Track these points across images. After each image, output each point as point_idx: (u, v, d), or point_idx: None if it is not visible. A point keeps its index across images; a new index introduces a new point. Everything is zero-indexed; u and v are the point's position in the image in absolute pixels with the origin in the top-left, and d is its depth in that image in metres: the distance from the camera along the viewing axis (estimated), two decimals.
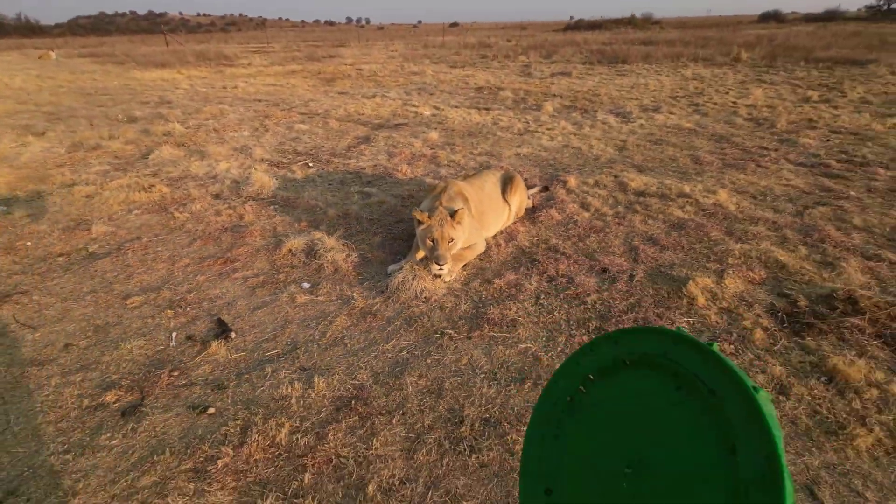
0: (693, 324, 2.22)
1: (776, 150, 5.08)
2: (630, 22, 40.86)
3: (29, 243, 3.14)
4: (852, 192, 3.83)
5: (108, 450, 1.59)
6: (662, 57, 14.33)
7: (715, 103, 7.58)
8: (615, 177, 4.29)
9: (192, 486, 1.45)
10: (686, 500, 0.53)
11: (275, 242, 3.10)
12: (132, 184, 4.22)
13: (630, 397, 0.64)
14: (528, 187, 3.85)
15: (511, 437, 1.61)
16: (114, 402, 1.79)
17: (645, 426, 0.61)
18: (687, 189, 3.90)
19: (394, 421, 1.70)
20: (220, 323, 2.26)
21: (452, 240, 2.55)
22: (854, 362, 1.90)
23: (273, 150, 5.45)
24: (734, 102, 7.55)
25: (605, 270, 2.70)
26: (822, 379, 1.86)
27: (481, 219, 3.00)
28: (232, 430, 1.65)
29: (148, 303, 2.46)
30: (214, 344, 2.10)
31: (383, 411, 1.74)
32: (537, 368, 1.95)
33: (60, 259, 2.94)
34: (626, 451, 0.61)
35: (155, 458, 1.55)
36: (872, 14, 36.50)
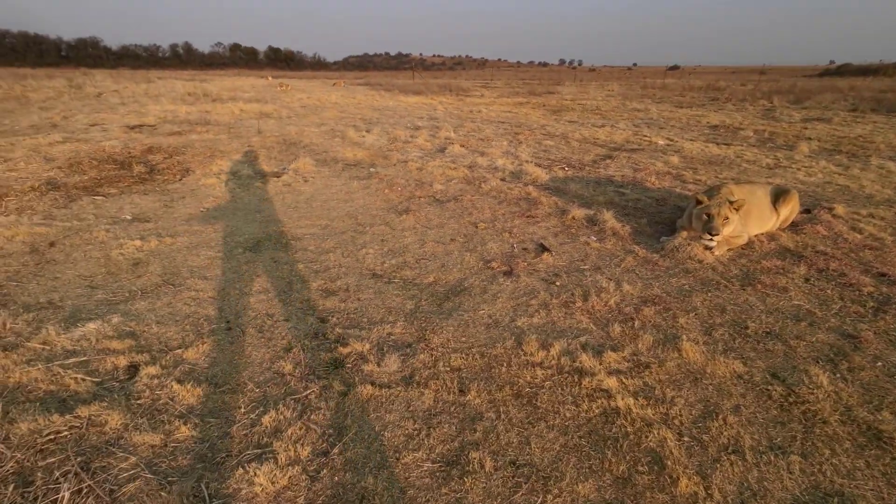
0: None
1: None
2: None
3: (399, 189, 4.87)
4: None
5: (505, 286, 2.72)
6: None
7: None
8: (895, 211, 4.13)
9: (563, 310, 2.44)
10: None
11: (561, 211, 4.13)
12: (443, 165, 5.90)
13: None
14: None
15: (793, 344, 2.16)
16: (497, 268, 2.96)
17: None
18: None
19: (690, 315, 2.41)
20: (542, 245, 3.32)
21: (727, 219, 3.13)
22: None
23: (532, 155, 6.72)
24: None
25: (883, 275, 2.89)
26: None
27: (746, 218, 3.47)
28: (577, 293, 2.61)
29: (489, 228, 3.71)
30: (544, 255, 3.15)
31: (680, 310, 2.47)
32: (811, 317, 2.41)
33: (422, 199, 4.52)
34: None
35: (535, 294, 2.61)
36: None
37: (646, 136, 8.74)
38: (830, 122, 10.41)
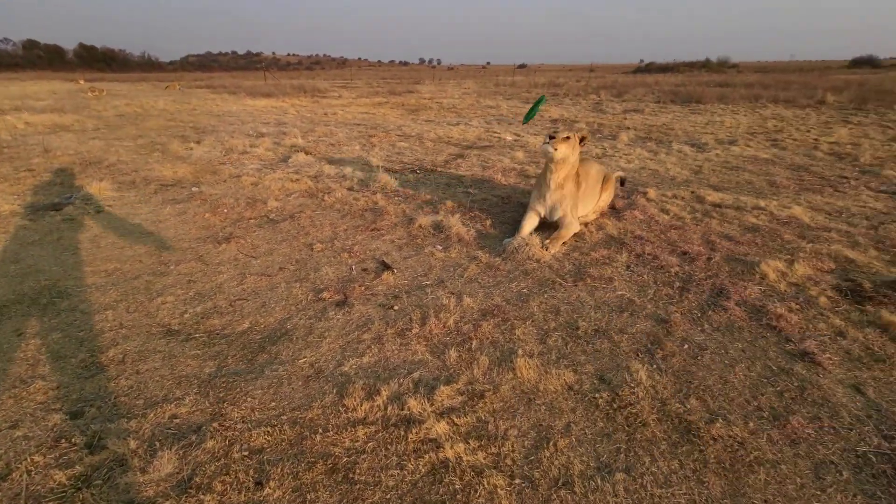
0: (764, 291, 2.69)
1: (857, 179, 5.31)
2: (704, 65, 40.53)
3: (225, 210, 4.19)
4: None
5: (335, 320, 2.37)
6: (739, 98, 14.44)
7: (795, 139, 7.78)
8: (692, 192, 4.77)
9: (399, 340, 2.18)
10: None
11: (407, 220, 3.92)
12: (283, 177, 5.31)
13: None
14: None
15: (617, 339, 2.20)
16: (329, 298, 2.59)
17: None
18: (762, 203, 4.31)
19: (527, 324, 2.34)
20: (384, 263, 3.05)
21: (568, 138, 3.41)
22: None
23: (384, 159, 6.46)
24: (816, 139, 7.71)
25: (685, 253, 3.23)
26: (877, 330, 2.29)
27: (584, 197, 3.68)
28: (415, 317, 2.38)
29: (328, 249, 3.32)
30: (385, 274, 2.88)
31: (518, 318, 2.39)
32: (632, 306, 2.52)
33: (252, 221, 3.93)
34: None
35: (369, 325, 2.31)
36: None
37: (496, 132, 9.11)
38: (643, 112, 12.10)
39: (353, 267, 3.02)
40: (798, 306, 2.52)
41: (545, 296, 2.64)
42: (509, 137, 8.43)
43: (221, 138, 8.13)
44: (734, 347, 2.16)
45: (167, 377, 1.94)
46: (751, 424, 1.68)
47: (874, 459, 1.54)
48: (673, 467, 1.51)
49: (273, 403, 1.79)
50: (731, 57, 47.58)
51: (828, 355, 2.09)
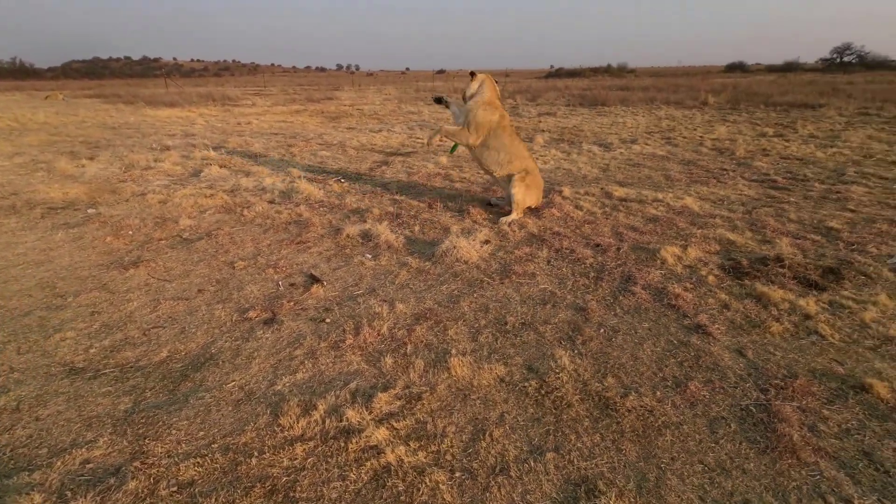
0: (664, 275, 3.02)
1: (734, 170, 6.10)
2: (607, 70, 44.04)
3: (130, 232, 3.85)
4: (792, 199, 4.79)
5: (264, 339, 2.29)
6: (638, 101, 15.90)
7: (685, 137, 8.74)
8: (602, 188, 5.20)
9: (333, 353, 2.17)
10: None
11: (334, 230, 3.87)
12: (196, 193, 4.97)
13: None
14: None
15: (542, 330, 2.37)
16: (255, 317, 2.50)
17: None
18: (660, 196, 4.81)
19: (459, 324, 2.44)
20: (312, 276, 2.99)
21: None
22: (776, 290, 2.72)
23: (306, 169, 6.29)
24: (701, 136, 8.72)
25: (598, 245, 3.53)
26: (753, 300, 2.67)
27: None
28: (348, 328, 2.37)
29: (251, 266, 3.18)
30: (314, 287, 2.83)
31: (450, 319, 2.48)
32: (554, 298, 2.72)
33: (163, 242, 3.65)
34: None
35: (301, 341, 2.26)
36: (827, 66, 40.26)
37: (419, 138, 9.22)
38: (555, 115, 12.90)
39: (280, 283, 2.93)
40: (692, 285, 2.86)
41: (475, 295, 2.76)
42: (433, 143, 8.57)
43: (120, 153, 7.41)
44: (642, 327, 2.41)
45: (74, 420, 1.77)
46: (658, 393, 1.90)
47: (754, 410, 1.81)
48: (595, 440, 1.67)
49: (202, 433, 1.70)
50: (628, 62, 52.25)
51: (716, 326, 2.41)
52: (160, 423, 1.75)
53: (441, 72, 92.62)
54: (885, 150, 7.01)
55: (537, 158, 7.00)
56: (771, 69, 43.19)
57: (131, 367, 2.09)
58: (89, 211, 4.42)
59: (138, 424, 1.74)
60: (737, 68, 47.07)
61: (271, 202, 4.72)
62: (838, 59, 39.93)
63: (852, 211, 4.30)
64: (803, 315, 2.48)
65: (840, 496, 1.44)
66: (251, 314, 2.53)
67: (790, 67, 41.89)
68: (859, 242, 3.51)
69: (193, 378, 2.02)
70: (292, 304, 2.66)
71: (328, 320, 2.48)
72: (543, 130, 9.95)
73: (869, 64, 37.42)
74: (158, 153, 7.40)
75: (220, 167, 6.31)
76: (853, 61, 38.62)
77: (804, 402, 1.83)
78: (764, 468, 1.55)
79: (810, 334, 2.33)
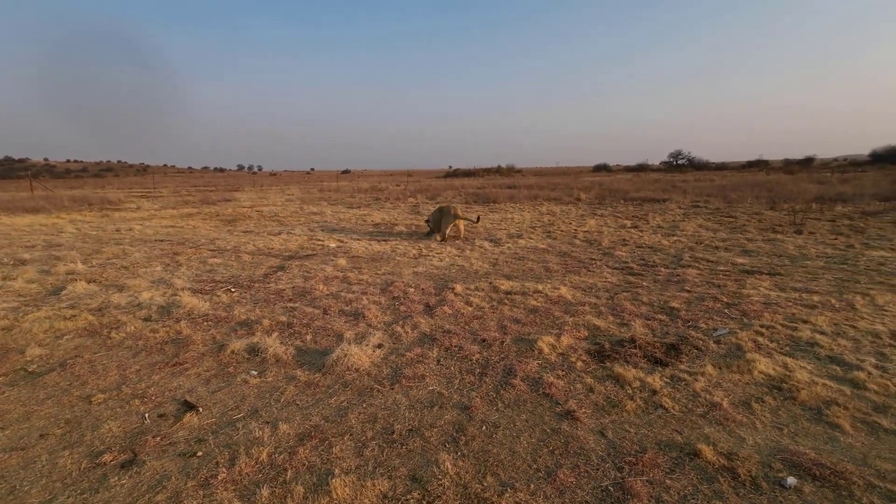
0: (541, 364, 3.32)
1: (600, 259, 7.06)
2: (498, 170, 49.61)
3: None
4: (644, 283, 5.64)
5: (119, 487, 2.03)
6: (524, 198, 17.98)
7: (562, 230, 9.99)
8: (490, 283, 5.67)
9: (201, 492, 1.98)
10: None
11: (218, 347, 3.66)
12: (52, 315, 4.42)
13: None
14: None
15: (428, 435, 2.42)
16: (111, 461, 2.21)
17: None
18: (540, 287, 5.37)
19: (345, 438, 2.40)
20: (187, 403, 2.77)
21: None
22: (630, 370, 3.13)
23: (192, 280, 5.96)
24: (575, 230, 10.04)
25: (484, 340, 3.78)
26: (613, 381, 3.04)
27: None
28: (222, 460, 2.20)
29: (112, 398, 2.85)
30: (187, 416, 2.61)
31: (336, 435, 2.43)
32: (441, 399, 2.82)
33: (0, 379, 3.14)
34: None
35: (164, 483, 2.04)
36: (667, 167, 49.75)
37: (320, 240, 9.33)
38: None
39: (147, 415, 2.66)
40: (563, 373, 3.18)
41: (364, 405, 2.76)
42: (333, 244, 8.73)
43: None
44: (520, 419, 2.60)
45: None
46: (531, 486, 2.03)
47: (612, 490, 2.01)
48: None
49: None
50: (515, 163, 59.79)
51: (583, 410, 2.68)
52: None
53: (346, 171, 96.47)
54: (710, 237, 8.70)
55: (433, 257, 7.47)
56: (628, 169, 52.30)
57: None
58: None
59: None
60: (602, 168, 56.19)
61: (147, 319, 4.36)
62: (674, 162, 49.81)
63: (688, 291, 5.20)
64: (651, 391, 2.87)
65: None
66: (105, 457, 2.24)
67: (642, 168, 51.20)
68: (693, 319, 4.23)
69: None
70: (158, 438, 2.42)
71: (200, 453, 2.28)
72: None
73: (696, 165, 47.15)
74: (9, 269, 6.51)
75: (88, 282, 5.73)
76: (685, 163, 48.38)
77: (651, 475, 2.09)
78: None
79: (657, 408, 2.69)
